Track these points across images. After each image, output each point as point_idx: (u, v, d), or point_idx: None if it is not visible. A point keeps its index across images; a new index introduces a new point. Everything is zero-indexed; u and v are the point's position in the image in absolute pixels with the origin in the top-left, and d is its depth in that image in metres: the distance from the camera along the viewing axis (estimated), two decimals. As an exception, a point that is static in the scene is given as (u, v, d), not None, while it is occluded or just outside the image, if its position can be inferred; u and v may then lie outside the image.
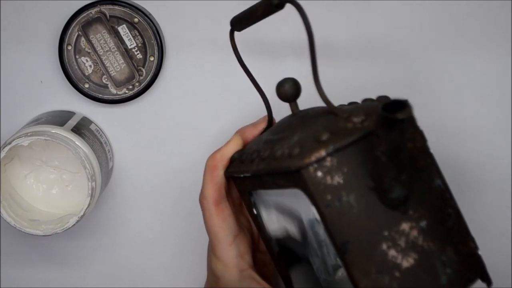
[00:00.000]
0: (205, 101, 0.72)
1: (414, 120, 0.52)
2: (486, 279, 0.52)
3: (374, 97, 0.57)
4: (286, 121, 0.58)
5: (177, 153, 0.73)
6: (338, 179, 0.49)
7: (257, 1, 0.57)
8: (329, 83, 0.71)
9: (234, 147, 0.60)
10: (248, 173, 0.55)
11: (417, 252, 0.50)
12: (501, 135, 0.71)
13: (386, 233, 0.49)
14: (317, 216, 0.50)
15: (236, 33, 0.60)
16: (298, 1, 0.51)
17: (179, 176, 0.73)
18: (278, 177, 0.52)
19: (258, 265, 0.62)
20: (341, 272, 0.57)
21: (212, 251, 0.60)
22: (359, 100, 0.58)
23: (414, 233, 0.50)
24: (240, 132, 0.62)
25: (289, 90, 0.57)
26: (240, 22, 0.59)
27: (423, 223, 0.50)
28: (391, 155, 0.48)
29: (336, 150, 0.49)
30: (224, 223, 0.59)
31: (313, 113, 0.55)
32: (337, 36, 0.71)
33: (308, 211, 0.58)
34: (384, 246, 0.49)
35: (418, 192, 0.51)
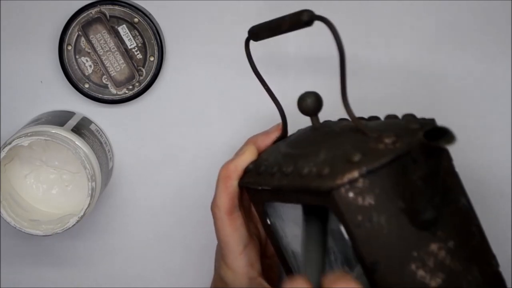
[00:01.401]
0: (205, 101, 0.72)
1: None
2: None
3: (391, 110, 0.57)
4: (307, 135, 0.57)
5: (177, 153, 0.73)
6: (369, 200, 0.49)
7: (280, 14, 0.56)
8: (323, 72, 0.71)
9: (249, 157, 0.59)
10: (268, 186, 0.55)
11: (445, 272, 0.50)
12: (501, 135, 0.71)
13: (415, 254, 0.50)
14: (345, 235, 0.50)
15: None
16: (329, 20, 0.51)
17: (179, 176, 0.73)
18: (303, 194, 0.52)
19: (264, 270, 0.62)
20: None
21: (222, 258, 0.60)
22: (379, 114, 0.58)
23: (442, 253, 0.50)
24: (252, 141, 0.61)
25: (311, 104, 0.56)
26: (261, 33, 0.58)
27: (451, 243, 0.51)
28: (427, 179, 0.48)
29: (369, 172, 0.49)
30: (236, 233, 0.59)
31: (337, 129, 0.55)
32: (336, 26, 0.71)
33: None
34: (413, 267, 0.50)
35: (446, 212, 0.51)
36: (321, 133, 0.56)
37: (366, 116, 0.59)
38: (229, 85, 0.72)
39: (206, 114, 0.73)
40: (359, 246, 0.49)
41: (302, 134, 0.58)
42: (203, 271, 0.63)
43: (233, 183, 0.58)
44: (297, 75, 0.71)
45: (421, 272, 0.50)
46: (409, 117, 0.55)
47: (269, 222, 0.58)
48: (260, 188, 0.56)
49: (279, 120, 0.62)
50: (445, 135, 0.47)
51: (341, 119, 0.60)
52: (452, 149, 0.71)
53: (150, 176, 0.74)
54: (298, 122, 0.60)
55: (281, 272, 0.62)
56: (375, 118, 0.58)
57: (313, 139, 0.55)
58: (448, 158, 0.53)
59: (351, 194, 0.49)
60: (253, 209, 0.61)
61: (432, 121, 0.52)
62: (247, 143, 0.61)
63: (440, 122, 0.71)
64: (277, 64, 0.71)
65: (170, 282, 0.75)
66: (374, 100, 0.71)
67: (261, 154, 0.60)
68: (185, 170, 0.73)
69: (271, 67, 0.70)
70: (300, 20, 0.53)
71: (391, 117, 0.56)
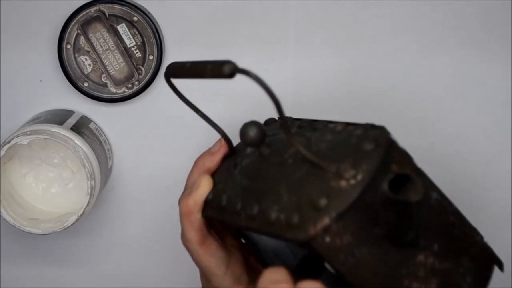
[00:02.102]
0: (204, 100, 0.72)
1: (397, 145, 0.51)
2: (498, 263, 0.53)
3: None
4: (259, 164, 0.56)
5: (177, 151, 0.73)
6: (347, 239, 0.49)
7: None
8: (326, 77, 0.72)
9: (206, 189, 0.58)
10: (236, 225, 0.54)
11: (437, 276, 0.50)
12: (501, 135, 0.71)
13: (404, 271, 0.50)
14: (332, 270, 0.50)
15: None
16: (254, 73, 0.48)
17: (179, 174, 0.73)
18: (279, 238, 0.51)
19: (256, 270, 0.62)
20: None
21: (208, 282, 0.60)
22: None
23: (430, 260, 0.51)
24: (200, 165, 0.60)
25: (254, 136, 0.54)
26: (180, 73, 0.56)
27: (435, 247, 0.51)
28: (400, 216, 0.48)
29: (340, 216, 0.48)
30: (213, 258, 0.58)
31: (289, 159, 0.53)
32: (334, 30, 0.71)
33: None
34: (406, 282, 0.50)
35: (422, 221, 0.51)
36: (274, 164, 0.54)
37: (299, 117, 0.58)
38: (229, 84, 0.72)
39: (206, 112, 0.73)
40: (350, 280, 0.49)
41: (254, 161, 0.56)
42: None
43: (197, 217, 0.58)
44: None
45: (415, 285, 0.50)
46: (359, 132, 0.52)
47: (243, 241, 0.58)
48: (228, 223, 0.56)
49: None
50: (410, 182, 0.46)
51: (280, 127, 0.58)
52: (452, 149, 0.71)
53: (150, 175, 0.74)
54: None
55: None
56: (322, 124, 0.56)
57: (268, 172, 0.54)
58: (408, 158, 0.51)
59: (327, 239, 0.48)
60: None
61: (382, 130, 0.51)
62: (195, 167, 0.60)
63: (439, 121, 0.71)
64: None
65: (170, 281, 0.75)
66: (373, 99, 0.71)
67: (214, 178, 0.59)
68: (185, 169, 0.73)
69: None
70: (222, 72, 0.50)
71: (338, 129, 0.54)
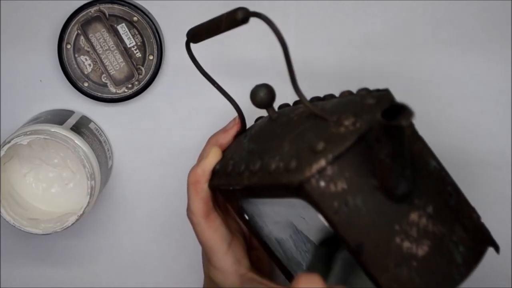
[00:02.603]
0: (204, 100, 0.72)
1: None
2: (494, 245, 0.53)
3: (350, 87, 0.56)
4: (266, 127, 0.57)
5: (177, 151, 0.73)
6: (342, 185, 0.49)
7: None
8: (324, 74, 0.72)
9: (214, 159, 0.59)
10: (239, 186, 0.55)
11: (430, 239, 0.50)
12: (501, 135, 0.71)
13: (397, 227, 0.50)
14: (325, 222, 0.50)
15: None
16: (265, 15, 0.50)
17: (179, 174, 0.73)
18: (276, 190, 0.52)
19: (253, 262, 0.62)
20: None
21: (208, 261, 0.60)
22: (334, 92, 0.57)
23: (423, 221, 0.50)
24: (213, 140, 0.61)
25: (264, 97, 0.56)
26: (200, 34, 0.58)
27: (430, 209, 0.51)
28: (394, 155, 0.48)
29: (335, 158, 0.49)
30: (216, 234, 0.59)
31: (295, 117, 0.55)
32: (334, 30, 0.71)
33: (295, 212, 0.58)
34: (398, 240, 0.50)
35: (418, 178, 0.51)
36: (280, 124, 0.55)
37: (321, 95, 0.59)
38: (228, 84, 0.72)
39: (206, 112, 0.73)
40: (341, 231, 0.49)
41: (262, 127, 0.58)
42: (203, 271, 0.63)
43: (204, 187, 0.58)
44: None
45: (406, 244, 0.50)
46: (363, 92, 0.54)
47: (247, 217, 0.58)
48: (231, 188, 0.56)
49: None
50: (403, 111, 0.46)
51: (297, 102, 0.59)
52: (452, 149, 0.71)
53: (150, 175, 0.74)
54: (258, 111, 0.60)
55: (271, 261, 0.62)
56: (331, 96, 0.58)
57: (273, 131, 0.55)
58: (410, 125, 0.52)
59: (322, 183, 0.49)
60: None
61: (386, 91, 0.52)
62: (208, 143, 0.61)
63: (439, 122, 0.71)
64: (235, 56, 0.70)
65: (170, 281, 0.75)
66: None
67: (225, 152, 0.60)
68: (185, 168, 0.73)
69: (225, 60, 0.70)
70: (236, 18, 0.53)
71: (345, 94, 0.56)
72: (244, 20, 0.53)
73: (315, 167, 0.48)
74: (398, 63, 0.71)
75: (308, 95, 0.67)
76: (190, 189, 0.59)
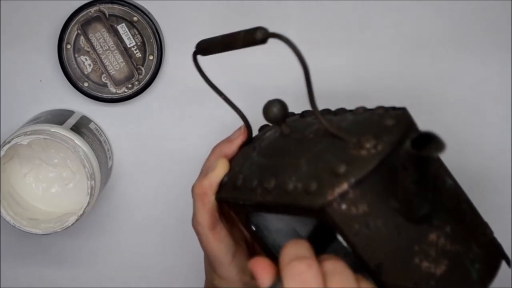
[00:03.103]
0: (204, 100, 0.72)
1: (416, 126, 0.52)
2: (506, 259, 0.53)
3: (363, 103, 0.56)
4: (278, 142, 0.56)
5: (177, 151, 0.73)
6: (363, 208, 0.49)
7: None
8: (324, 74, 0.72)
9: (222, 172, 0.58)
10: (251, 202, 0.54)
11: (448, 258, 0.50)
12: (501, 135, 0.71)
13: (416, 248, 0.50)
14: (344, 243, 0.50)
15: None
16: (285, 36, 0.50)
17: (179, 174, 0.73)
18: (292, 209, 0.51)
19: None
20: None
21: (213, 270, 0.60)
22: (345, 106, 0.57)
23: (442, 240, 0.51)
24: (218, 151, 0.59)
25: (278, 112, 0.55)
26: (211, 48, 0.57)
27: (448, 228, 0.51)
28: (419, 182, 0.48)
29: (358, 182, 0.48)
30: (221, 245, 0.58)
31: (311, 134, 0.54)
32: (334, 30, 0.71)
33: (301, 220, 0.58)
34: (417, 260, 0.50)
35: (437, 198, 0.51)
36: (294, 140, 0.55)
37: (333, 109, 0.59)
38: (228, 84, 0.72)
39: (206, 112, 0.73)
40: (361, 252, 0.49)
41: (273, 141, 0.57)
42: (203, 271, 0.63)
43: (211, 199, 0.58)
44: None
45: (425, 264, 0.50)
46: (380, 111, 0.54)
47: (254, 228, 0.58)
48: (241, 203, 0.55)
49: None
50: (433, 141, 0.46)
51: (306, 114, 0.59)
52: (452, 149, 0.71)
53: (150, 175, 0.74)
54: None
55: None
56: (343, 110, 0.57)
57: (287, 148, 0.54)
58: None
59: (344, 206, 0.48)
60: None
61: (404, 111, 0.52)
62: (213, 153, 0.60)
63: (440, 122, 0.71)
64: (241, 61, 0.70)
65: (170, 281, 0.75)
66: (373, 99, 0.71)
67: (231, 163, 0.59)
68: (185, 168, 0.73)
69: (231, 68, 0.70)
70: (254, 38, 0.52)
71: (359, 111, 0.55)
72: (263, 41, 0.51)
73: (337, 191, 0.48)
74: (398, 63, 0.71)
75: (306, 97, 0.67)
76: (197, 200, 0.58)
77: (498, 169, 0.72)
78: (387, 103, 0.71)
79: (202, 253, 0.65)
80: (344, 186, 0.48)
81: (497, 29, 0.70)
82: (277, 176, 0.52)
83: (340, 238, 0.50)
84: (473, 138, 0.71)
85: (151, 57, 0.70)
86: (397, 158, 0.48)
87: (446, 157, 0.66)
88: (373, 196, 0.49)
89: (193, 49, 0.71)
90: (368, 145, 0.49)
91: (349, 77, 0.72)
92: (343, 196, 0.48)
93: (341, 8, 0.70)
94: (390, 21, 0.71)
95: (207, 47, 0.57)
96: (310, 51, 0.71)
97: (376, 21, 0.71)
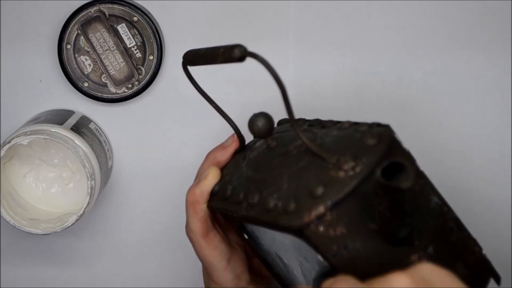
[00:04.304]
0: (204, 100, 0.72)
1: (400, 144, 0.51)
2: (495, 277, 0.53)
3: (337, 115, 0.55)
4: (264, 155, 0.56)
5: (177, 152, 0.73)
6: (341, 230, 0.49)
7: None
8: (324, 74, 0.72)
9: (213, 180, 0.58)
10: (237, 214, 0.55)
11: None
12: (501, 135, 0.71)
13: (397, 269, 0.50)
14: (325, 262, 0.50)
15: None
16: (262, 57, 0.49)
17: (179, 175, 0.73)
18: (274, 227, 0.52)
19: (256, 270, 0.62)
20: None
21: (209, 276, 0.60)
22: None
23: (423, 262, 0.50)
24: (211, 158, 0.60)
25: (263, 127, 0.55)
26: (196, 60, 0.57)
27: (430, 249, 0.51)
28: (393, 209, 0.48)
29: (334, 205, 0.48)
30: (215, 251, 0.59)
31: (294, 150, 0.54)
32: (334, 30, 0.71)
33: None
34: None
35: (419, 217, 0.51)
36: (278, 155, 0.55)
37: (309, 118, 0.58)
38: (228, 84, 0.72)
39: (206, 112, 0.73)
40: (340, 273, 0.49)
41: (261, 153, 0.57)
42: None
43: (202, 207, 0.58)
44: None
45: None
46: (364, 128, 0.53)
47: (246, 237, 0.58)
48: (229, 214, 0.56)
49: (278, 115, 0.62)
50: (403, 171, 0.45)
51: (290, 126, 0.58)
52: (452, 149, 0.71)
53: (150, 175, 0.74)
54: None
55: None
56: (331, 122, 0.57)
57: (271, 162, 0.55)
58: (411, 162, 0.51)
59: (321, 228, 0.49)
60: None
61: (387, 128, 0.51)
62: (207, 160, 0.60)
63: (440, 122, 0.71)
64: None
65: (170, 281, 0.75)
66: (373, 99, 0.71)
67: (223, 171, 0.59)
68: (185, 168, 0.73)
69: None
70: (232, 56, 0.52)
71: (345, 125, 0.55)
72: (241, 59, 0.51)
73: (314, 214, 0.48)
74: (398, 63, 0.71)
75: (307, 98, 0.67)
76: (189, 208, 0.59)
77: (498, 169, 0.72)
78: (387, 103, 0.71)
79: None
80: (321, 208, 0.48)
81: (498, 29, 0.70)
82: (261, 191, 0.53)
83: (320, 257, 0.50)
84: (473, 138, 0.71)
85: (151, 57, 0.70)
86: (372, 184, 0.48)
87: (446, 157, 0.66)
88: (351, 218, 0.49)
89: (192, 48, 0.72)
90: (346, 167, 0.49)
91: (349, 77, 0.72)
92: (320, 218, 0.48)
93: (340, 7, 0.70)
94: (390, 20, 0.71)
95: (193, 58, 0.57)
96: (310, 51, 0.72)
97: (376, 21, 0.71)
